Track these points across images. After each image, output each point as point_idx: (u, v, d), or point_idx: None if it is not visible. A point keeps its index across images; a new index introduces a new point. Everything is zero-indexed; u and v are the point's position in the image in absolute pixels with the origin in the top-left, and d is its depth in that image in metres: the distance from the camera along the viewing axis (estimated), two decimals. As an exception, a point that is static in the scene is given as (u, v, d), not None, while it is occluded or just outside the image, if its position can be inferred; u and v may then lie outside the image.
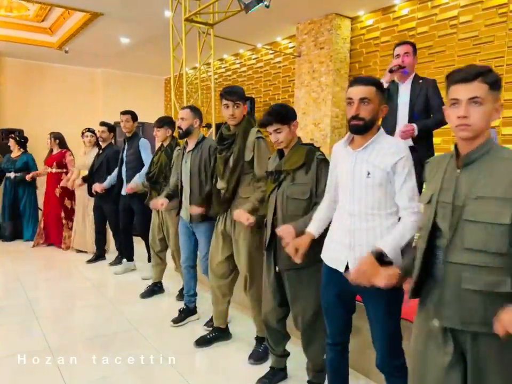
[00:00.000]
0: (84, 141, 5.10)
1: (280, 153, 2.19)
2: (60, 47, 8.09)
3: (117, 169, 4.51)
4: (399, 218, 1.70)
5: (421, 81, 3.11)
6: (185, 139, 3.10)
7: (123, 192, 4.27)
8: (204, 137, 3.06)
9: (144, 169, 4.08)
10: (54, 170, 5.55)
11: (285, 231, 1.94)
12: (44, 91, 9.60)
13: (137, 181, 4.02)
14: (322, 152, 2.11)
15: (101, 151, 4.84)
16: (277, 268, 2.15)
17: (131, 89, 10.44)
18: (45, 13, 7.30)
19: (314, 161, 2.04)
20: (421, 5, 5.15)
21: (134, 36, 7.23)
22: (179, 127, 2.99)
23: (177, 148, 3.59)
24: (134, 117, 4.28)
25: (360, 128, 1.67)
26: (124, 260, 4.61)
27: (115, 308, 3.68)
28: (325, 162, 2.05)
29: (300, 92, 6.31)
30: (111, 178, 4.52)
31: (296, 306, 2.15)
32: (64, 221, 5.56)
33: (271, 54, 7.47)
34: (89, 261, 4.96)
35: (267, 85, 7.55)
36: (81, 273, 4.67)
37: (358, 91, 1.66)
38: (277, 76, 7.33)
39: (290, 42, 7.03)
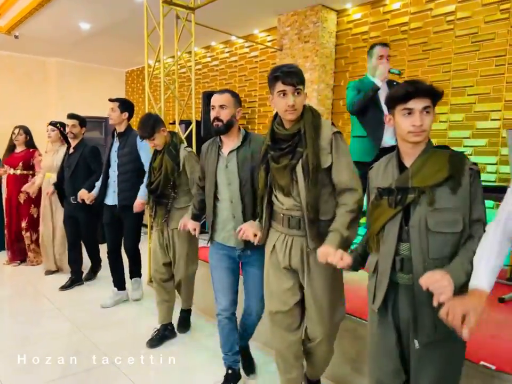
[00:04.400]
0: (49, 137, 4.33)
1: (399, 160, 1.54)
2: (9, 31, 7.16)
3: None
4: None
5: (394, 83, 3.24)
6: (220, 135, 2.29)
7: (110, 201, 3.50)
8: (247, 132, 2.31)
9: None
10: (18, 172, 4.60)
11: (439, 283, 1.25)
12: (-12, 81, 8.60)
13: (143, 195, 3.27)
14: (469, 160, 1.50)
15: (71, 150, 3.99)
16: (416, 343, 1.45)
17: (88, 82, 9.59)
18: (-9, -9, 6.43)
19: (465, 174, 1.43)
20: (414, -1, 4.88)
21: (97, 21, 6.50)
22: (216, 118, 2.19)
23: (185, 147, 2.92)
24: (124, 106, 3.47)
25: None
26: (114, 289, 3.75)
27: (85, 336, 3.11)
28: (480, 175, 1.47)
29: (282, 88, 5.89)
30: (100, 186, 3.67)
31: None
32: (24, 232, 4.64)
33: (246, 47, 7.00)
34: (64, 287, 4.07)
35: (242, 80, 7.07)
36: (40, 292, 4.00)
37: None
38: (254, 71, 6.87)
39: (268, 35, 6.59)
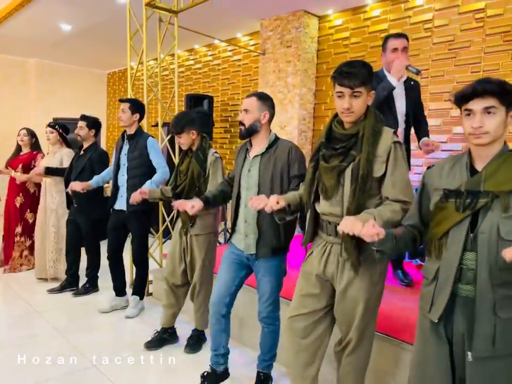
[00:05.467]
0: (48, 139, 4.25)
1: (470, 163, 1.43)
2: (-13, 31, 7.08)
3: (107, 170, 3.64)
4: None
5: (412, 83, 2.97)
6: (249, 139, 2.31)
7: (118, 205, 3.40)
8: (277, 138, 2.29)
9: (159, 176, 3.23)
10: (18, 174, 4.47)
11: None
12: (-35, 81, 8.42)
13: (152, 186, 3.16)
14: None
15: (82, 152, 3.90)
16: (469, 355, 1.36)
17: (69, 83, 9.48)
18: (-31, -10, 6.31)
19: None
20: (393, 7, 4.99)
21: (78, 22, 6.45)
22: (240, 122, 2.24)
23: (213, 153, 2.83)
24: (135, 107, 3.36)
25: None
26: (113, 294, 3.68)
27: (65, 339, 3.08)
28: None
29: (264, 92, 5.93)
30: (99, 178, 3.65)
31: None
32: (18, 238, 4.49)
33: (229, 51, 7.04)
34: (53, 290, 4.00)
35: (225, 84, 7.11)
36: (18, 295, 3.94)
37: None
38: (237, 75, 6.91)
39: (251, 39, 6.65)
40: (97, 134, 3.97)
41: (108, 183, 3.95)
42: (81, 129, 3.83)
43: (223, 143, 7.18)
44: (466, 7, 4.40)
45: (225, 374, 2.50)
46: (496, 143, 1.37)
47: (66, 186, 3.94)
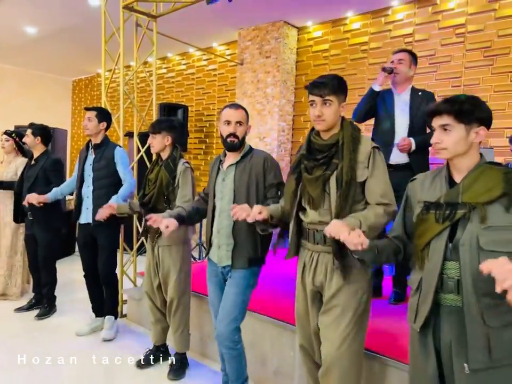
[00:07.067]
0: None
1: (448, 176, 1.48)
2: None
3: (67, 183, 3.47)
4: None
5: (420, 93, 3.00)
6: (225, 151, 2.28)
7: (83, 219, 3.19)
8: (251, 148, 2.30)
9: (126, 189, 3.11)
10: None
11: (503, 267, 1.15)
12: None
13: (119, 200, 3.01)
14: None
15: (33, 162, 3.69)
16: (467, 367, 1.33)
17: (31, 89, 9.02)
18: None
19: None
20: (373, 20, 5.00)
21: (44, 25, 6.10)
22: (232, 135, 2.17)
23: (184, 162, 2.71)
24: (101, 115, 3.20)
25: None
26: (92, 315, 3.42)
27: (32, 370, 2.76)
28: None
29: (242, 102, 5.79)
30: (57, 191, 3.43)
31: None
32: None
33: (204, 60, 6.87)
34: (21, 309, 3.75)
35: (200, 93, 6.91)
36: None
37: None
38: (212, 84, 6.74)
39: (228, 48, 6.51)
40: (46, 142, 3.76)
41: (71, 194, 3.68)
42: (27, 137, 3.68)
43: (197, 154, 6.96)
44: (447, 22, 4.45)
45: None
46: (469, 156, 1.41)
47: (17, 197, 3.73)
